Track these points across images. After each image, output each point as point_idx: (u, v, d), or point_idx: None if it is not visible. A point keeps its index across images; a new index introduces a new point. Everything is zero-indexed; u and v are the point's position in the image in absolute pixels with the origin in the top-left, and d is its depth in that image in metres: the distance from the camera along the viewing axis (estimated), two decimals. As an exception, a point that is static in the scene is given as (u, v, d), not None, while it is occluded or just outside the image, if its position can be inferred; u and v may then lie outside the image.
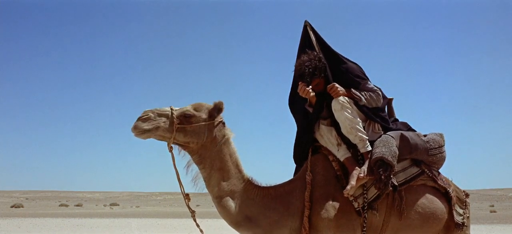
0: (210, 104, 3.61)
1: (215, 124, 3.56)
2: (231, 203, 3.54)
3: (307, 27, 3.98)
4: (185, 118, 3.49)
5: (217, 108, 3.57)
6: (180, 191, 3.64)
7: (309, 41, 3.95)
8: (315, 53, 3.82)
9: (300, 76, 3.75)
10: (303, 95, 3.72)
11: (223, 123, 3.63)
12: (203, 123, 3.52)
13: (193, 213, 3.68)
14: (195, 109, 3.55)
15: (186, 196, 3.66)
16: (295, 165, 4.04)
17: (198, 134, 3.50)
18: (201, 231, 3.76)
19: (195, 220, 3.70)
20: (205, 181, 3.59)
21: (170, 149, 3.52)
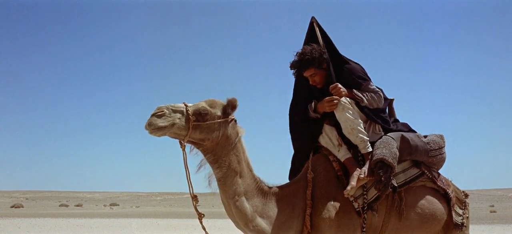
0: (223, 101, 3.49)
1: (229, 121, 3.46)
2: (246, 204, 3.46)
3: (313, 23, 3.96)
4: (200, 115, 3.34)
5: (231, 105, 3.44)
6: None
7: (315, 37, 3.93)
8: (320, 47, 3.81)
9: (296, 63, 3.77)
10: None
11: (235, 120, 3.53)
12: (218, 120, 3.39)
13: (200, 216, 3.59)
14: (209, 105, 3.43)
15: (194, 198, 3.55)
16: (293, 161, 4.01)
17: (213, 131, 3.37)
18: None
19: (201, 223, 3.59)
20: (219, 181, 3.44)
21: (183, 147, 3.40)
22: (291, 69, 3.88)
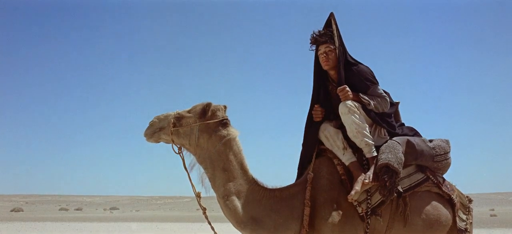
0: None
1: (211, 124, 3.55)
2: (237, 203, 3.52)
3: (331, 19, 3.91)
4: (177, 120, 3.56)
5: (203, 110, 3.56)
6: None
7: (331, 30, 3.89)
8: (336, 39, 3.81)
9: (321, 35, 3.81)
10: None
11: (225, 123, 3.59)
12: (192, 124, 3.54)
13: (204, 210, 3.68)
14: (188, 111, 3.60)
15: (198, 194, 3.66)
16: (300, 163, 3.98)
17: (188, 135, 3.55)
18: (212, 228, 3.75)
19: (206, 218, 3.70)
20: (210, 181, 3.59)
21: (178, 150, 3.60)
22: (312, 43, 3.89)
